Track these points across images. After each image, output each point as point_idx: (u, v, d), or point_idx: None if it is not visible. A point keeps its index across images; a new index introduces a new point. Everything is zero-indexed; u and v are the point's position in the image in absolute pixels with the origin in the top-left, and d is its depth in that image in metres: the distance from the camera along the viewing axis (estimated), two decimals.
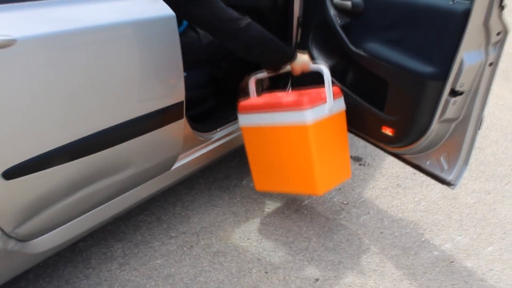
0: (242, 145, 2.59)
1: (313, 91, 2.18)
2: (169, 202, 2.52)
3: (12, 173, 1.46)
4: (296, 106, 2.07)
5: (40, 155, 1.50)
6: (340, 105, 2.23)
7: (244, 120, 2.30)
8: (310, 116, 2.06)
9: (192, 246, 2.22)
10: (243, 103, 2.29)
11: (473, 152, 3.12)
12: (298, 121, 2.09)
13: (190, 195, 2.59)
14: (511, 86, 4.33)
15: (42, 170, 1.53)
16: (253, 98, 2.32)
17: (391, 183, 2.78)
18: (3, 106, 1.39)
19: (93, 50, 1.58)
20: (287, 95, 2.19)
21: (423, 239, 2.33)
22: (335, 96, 2.18)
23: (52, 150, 1.53)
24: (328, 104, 2.12)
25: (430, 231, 2.39)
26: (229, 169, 2.85)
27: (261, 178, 2.40)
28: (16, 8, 1.42)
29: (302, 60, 2.22)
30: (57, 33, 1.47)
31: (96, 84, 1.61)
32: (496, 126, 3.51)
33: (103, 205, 1.84)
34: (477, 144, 3.24)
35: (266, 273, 2.09)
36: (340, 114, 2.24)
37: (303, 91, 2.23)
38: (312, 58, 2.43)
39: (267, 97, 2.27)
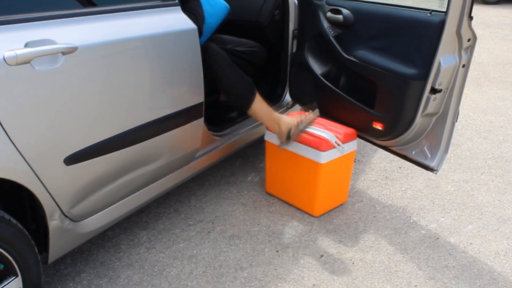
0: (246, 143, 2.92)
1: (335, 130, 2.54)
2: (184, 196, 2.81)
3: (71, 160, 1.74)
4: (315, 147, 2.47)
5: (93, 144, 1.80)
6: (352, 146, 2.59)
7: (270, 137, 2.69)
8: (324, 158, 2.47)
9: (209, 232, 2.51)
10: None
11: (451, 148, 3.48)
12: (314, 158, 2.49)
13: (201, 190, 2.88)
14: (482, 91, 4.74)
15: (95, 157, 1.82)
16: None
17: (380, 175, 3.11)
18: (65, 102, 1.68)
19: (133, 57, 1.89)
20: (312, 129, 2.53)
21: (411, 220, 2.65)
22: (350, 139, 2.56)
23: (102, 140, 1.82)
24: (341, 148, 2.50)
25: (417, 214, 2.71)
26: (234, 167, 3.15)
27: (272, 184, 2.81)
28: (77, 21, 1.72)
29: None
30: (107, 42, 1.78)
31: (135, 85, 1.91)
32: (471, 126, 3.88)
33: (138, 192, 2.13)
34: (454, 141, 3.60)
35: (277, 251, 2.38)
36: (350, 153, 2.61)
37: (328, 126, 2.59)
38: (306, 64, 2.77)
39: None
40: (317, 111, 2.63)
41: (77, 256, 2.33)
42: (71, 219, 1.88)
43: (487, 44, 6.58)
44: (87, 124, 1.77)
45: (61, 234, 1.86)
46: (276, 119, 2.54)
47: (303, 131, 2.51)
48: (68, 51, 1.65)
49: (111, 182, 1.96)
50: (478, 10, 8.84)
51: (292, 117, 2.56)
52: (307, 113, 2.59)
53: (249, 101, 2.49)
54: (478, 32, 7.20)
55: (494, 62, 5.75)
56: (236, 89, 2.50)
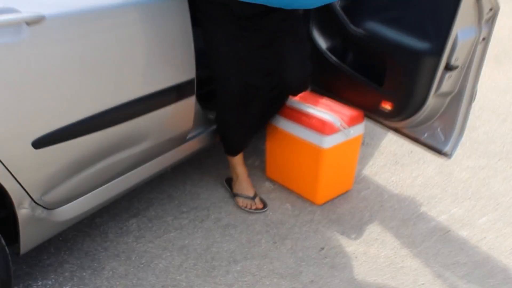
0: None
1: (340, 112, 2.33)
2: (179, 180, 2.63)
3: (40, 143, 1.56)
4: (317, 130, 2.27)
5: (66, 125, 1.62)
6: (359, 130, 2.39)
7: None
8: (327, 142, 2.27)
9: (203, 220, 2.34)
10: None
11: (467, 131, 3.22)
12: (316, 143, 2.29)
13: (198, 173, 2.70)
14: (502, 69, 4.46)
15: (68, 140, 1.64)
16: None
17: (390, 160, 2.90)
18: (32, 79, 1.50)
19: (113, 28, 1.70)
20: (315, 111, 2.33)
21: (420, 211, 2.45)
22: (356, 121, 2.35)
23: (77, 121, 1.64)
24: (346, 132, 2.29)
25: (427, 203, 2.51)
26: None
27: (273, 168, 2.63)
28: None
29: None
30: (81, 11, 1.58)
31: (116, 60, 1.72)
32: (489, 107, 3.64)
33: (122, 176, 1.96)
34: (470, 124, 3.33)
35: (275, 243, 2.20)
36: (357, 137, 2.40)
37: (333, 107, 2.37)
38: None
39: (299, 104, 2.39)
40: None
41: (61, 245, 2.17)
42: (44, 207, 1.71)
43: (509, 18, 6.24)
44: (59, 103, 1.59)
45: (33, 223, 1.70)
46: (239, 173, 2.48)
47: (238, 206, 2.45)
48: (34, 21, 1.46)
49: (89, 166, 1.79)
50: None
51: (249, 193, 2.45)
52: (258, 205, 2.43)
53: (235, 152, 2.47)
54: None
55: None
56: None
